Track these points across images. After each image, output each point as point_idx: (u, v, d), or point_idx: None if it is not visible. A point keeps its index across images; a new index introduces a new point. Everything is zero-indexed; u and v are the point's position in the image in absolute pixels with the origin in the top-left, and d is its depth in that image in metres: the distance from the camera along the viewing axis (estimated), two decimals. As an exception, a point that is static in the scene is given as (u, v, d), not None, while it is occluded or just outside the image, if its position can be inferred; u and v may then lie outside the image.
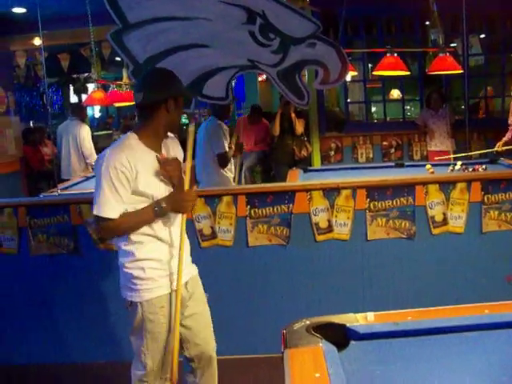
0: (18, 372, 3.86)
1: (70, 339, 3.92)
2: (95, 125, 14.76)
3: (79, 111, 7.36)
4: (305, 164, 6.64)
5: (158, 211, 2.49)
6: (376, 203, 3.67)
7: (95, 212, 2.47)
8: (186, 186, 2.63)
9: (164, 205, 2.50)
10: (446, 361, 1.73)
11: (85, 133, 7.06)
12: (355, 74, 7.67)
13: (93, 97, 7.35)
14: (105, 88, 8.73)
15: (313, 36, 3.27)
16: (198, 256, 2.92)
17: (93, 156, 6.89)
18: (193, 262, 2.82)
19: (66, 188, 5.96)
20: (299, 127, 7.04)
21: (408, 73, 6.43)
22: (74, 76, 12.16)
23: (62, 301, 3.92)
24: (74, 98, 13.67)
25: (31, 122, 10.42)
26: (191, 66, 3.45)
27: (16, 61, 9.22)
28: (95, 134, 13.19)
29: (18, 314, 3.95)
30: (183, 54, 3.47)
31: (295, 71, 3.35)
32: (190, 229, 3.41)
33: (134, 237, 2.54)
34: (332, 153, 8.15)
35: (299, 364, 1.69)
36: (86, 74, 11.61)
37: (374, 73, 6.57)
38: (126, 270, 2.58)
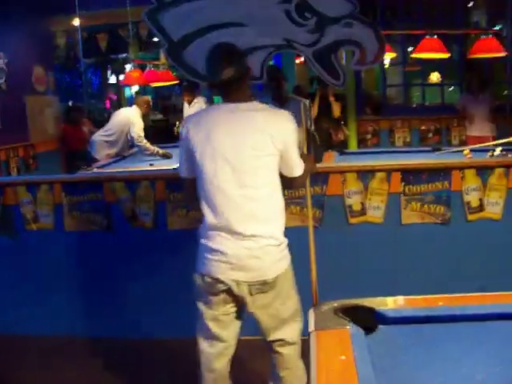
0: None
1: (101, 315, 4.00)
2: (130, 104, 14.86)
3: (141, 103, 7.14)
4: (341, 147, 6.58)
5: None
6: (411, 187, 3.61)
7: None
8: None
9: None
10: (476, 349, 1.69)
11: (138, 121, 6.77)
12: (394, 55, 7.54)
13: (129, 76, 7.42)
14: (142, 68, 8.79)
15: (350, 16, 3.19)
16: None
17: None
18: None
19: (103, 166, 6.04)
20: (336, 110, 6.97)
21: (448, 56, 6.28)
22: (112, 56, 12.25)
23: (93, 277, 3.99)
24: (112, 79, 13.81)
25: (70, 102, 10.55)
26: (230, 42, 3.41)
27: (56, 41, 9.34)
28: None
29: (49, 288, 4.03)
30: (218, 32, 3.43)
31: (331, 51, 3.28)
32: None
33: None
34: (369, 136, 8.06)
35: (325, 346, 1.68)
36: (124, 55, 11.68)
37: (413, 55, 6.45)
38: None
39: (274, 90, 4.77)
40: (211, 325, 2.50)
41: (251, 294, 2.44)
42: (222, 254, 2.39)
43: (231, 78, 2.42)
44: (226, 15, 3.38)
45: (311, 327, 1.83)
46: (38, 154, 7.69)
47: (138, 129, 6.57)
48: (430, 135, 7.92)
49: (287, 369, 2.59)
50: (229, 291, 2.43)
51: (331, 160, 5.04)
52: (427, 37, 5.77)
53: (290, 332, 2.54)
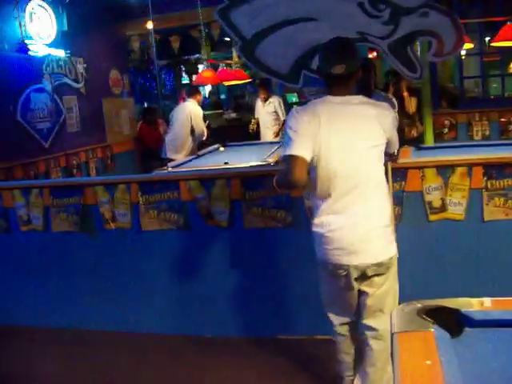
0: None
1: (178, 312, 4.06)
2: (206, 104, 15.09)
3: (192, 92, 7.48)
4: (416, 143, 6.37)
5: None
6: (494, 182, 3.44)
7: None
8: None
9: None
10: None
11: (198, 113, 7.23)
12: (471, 46, 7.25)
13: (202, 76, 7.50)
14: (214, 68, 8.87)
15: (426, 5, 3.08)
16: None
17: (204, 134, 7.12)
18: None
19: (177, 166, 6.12)
20: (411, 106, 6.75)
21: (531, 43, 5.97)
22: (185, 57, 12.44)
23: (170, 275, 4.04)
24: (185, 80, 14.02)
25: (145, 103, 10.81)
26: (299, 40, 3.36)
27: (130, 45, 9.58)
28: (206, 113, 13.53)
29: (124, 287, 4.15)
30: (290, 28, 3.39)
31: (407, 43, 3.18)
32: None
33: None
34: (445, 130, 7.77)
35: (409, 349, 1.60)
36: (197, 55, 11.84)
37: (493, 44, 6.16)
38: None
39: (363, 82, 4.66)
40: (343, 304, 2.76)
41: (367, 277, 2.61)
42: (338, 241, 2.55)
43: (345, 73, 2.52)
44: (298, 10, 3.34)
45: (394, 328, 1.76)
46: (114, 154, 7.92)
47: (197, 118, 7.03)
48: (511, 128, 7.57)
49: (374, 365, 2.70)
50: (348, 275, 2.59)
51: (408, 155, 4.88)
52: (508, 23, 5.50)
53: (384, 324, 2.59)
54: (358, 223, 2.55)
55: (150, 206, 3.97)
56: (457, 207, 3.47)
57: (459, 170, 3.45)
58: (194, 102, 7.21)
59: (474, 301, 1.90)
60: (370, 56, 10.36)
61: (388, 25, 3.18)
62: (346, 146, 2.53)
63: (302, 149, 2.51)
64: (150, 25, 8.59)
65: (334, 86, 2.58)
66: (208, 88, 14.94)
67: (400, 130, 6.69)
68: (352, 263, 2.56)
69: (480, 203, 3.47)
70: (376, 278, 2.63)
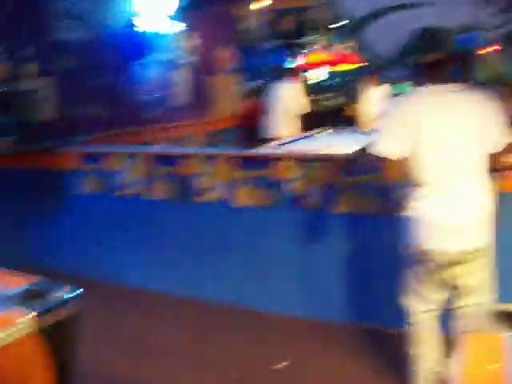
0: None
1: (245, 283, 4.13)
2: (316, 87, 15.01)
3: (287, 71, 7.63)
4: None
5: None
6: None
7: None
8: None
9: None
10: None
11: (295, 90, 7.33)
12: None
13: (313, 58, 7.52)
14: (327, 51, 8.81)
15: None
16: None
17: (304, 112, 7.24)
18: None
19: (281, 144, 6.14)
20: None
21: None
22: (297, 39, 12.42)
23: (263, 251, 4.12)
24: (294, 61, 14.00)
25: (253, 81, 10.92)
26: (411, 24, 3.28)
27: (244, 23, 9.70)
28: (315, 96, 13.46)
29: (205, 256, 4.27)
30: (404, 12, 3.33)
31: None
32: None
33: None
34: None
35: (477, 350, 1.56)
36: (309, 37, 11.79)
37: None
38: None
39: (459, 74, 4.51)
40: (425, 290, 2.72)
41: (458, 264, 2.57)
42: (431, 225, 2.57)
43: (441, 60, 2.54)
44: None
45: (464, 327, 1.72)
46: (219, 130, 8.10)
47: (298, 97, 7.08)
48: None
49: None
50: (438, 260, 2.59)
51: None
52: None
53: (477, 308, 2.53)
54: (453, 210, 2.55)
55: (245, 182, 4.06)
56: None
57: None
58: (296, 82, 7.28)
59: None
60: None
61: (501, 15, 3.03)
62: (444, 134, 2.53)
63: (393, 141, 2.58)
64: (262, 4, 8.70)
65: (430, 74, 2.59)
66: (319, 71, 14.83)
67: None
68: (443, 249, 2.56)
69: None
70: (467, 266, 2.59)
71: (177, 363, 3.51)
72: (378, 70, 7.77)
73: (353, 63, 8.21)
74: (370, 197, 3.65)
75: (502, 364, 1.48)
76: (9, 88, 4.69)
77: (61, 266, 4.71)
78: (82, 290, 2.01)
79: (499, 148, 2.57)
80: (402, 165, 2.60)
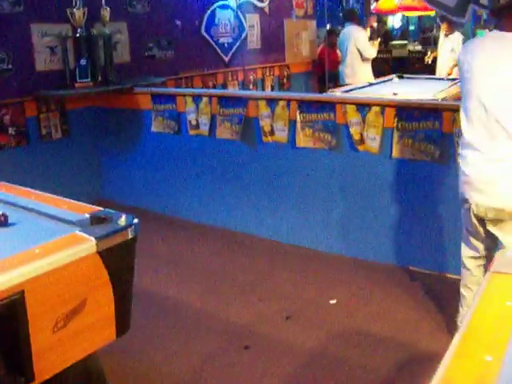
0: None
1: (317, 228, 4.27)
2: (393, 34, 14.65)
3: (352, 16, 7.53)
4: None
5: None
6: None
7: None
8: None
9: None
10: None
11: (361, 36, 7.33)
12: None
13: (385, 4, 7.32)
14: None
15: None
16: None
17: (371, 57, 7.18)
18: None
19: (347, 91, 6.15)
20: None
21: None
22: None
23: (320, 194, 4.24)
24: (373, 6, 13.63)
25: (328, 26, 10.76)
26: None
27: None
28: (392, 43, 13.19)
29: (271, 195, 4.43)
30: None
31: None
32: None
33: None
34: None
35: (495, 288, 1.62)
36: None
37: None
38: None
39: None
40: (471, 237, 2.76)
41: (491, 219, 2.56)
42: (469, 175, 2.57)
43: (505, 5, 2.45)
44: None
45: (491, 268, 1.78)
46: (291, 74, 8.11)
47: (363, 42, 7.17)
48: None
49: None
50: (471, 211, 2.62)
51: None
52: None
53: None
54: (490, 163, 2.50)
55: (306, 125, 4.14)
56: None
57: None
58: (357, 27, 7.25)
59: None
60: None
61: None
62: (496, 84, 2.45)
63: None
64: None
65: (503, 19, 2.48)
66: (397, 18, 14.42)
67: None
68: (474, 200, 2.58)
69: None
70: (500, 223, 2.56)
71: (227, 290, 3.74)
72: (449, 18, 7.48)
73: (425, 10, 7.95)
74: (429, 144, 3.65)
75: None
76: (86, 32, 4.90)
77: (131, 200, 5.04)
78: (138, 219, 2.19)
79: None
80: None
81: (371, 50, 7.32)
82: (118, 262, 2.07)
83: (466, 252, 2.87)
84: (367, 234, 4.07)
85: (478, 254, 2.82)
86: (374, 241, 4.06)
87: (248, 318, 3.38)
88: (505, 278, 1.71)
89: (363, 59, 7.26)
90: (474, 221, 2.66)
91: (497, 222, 2.57)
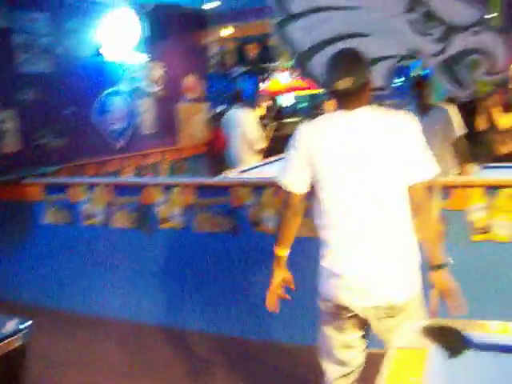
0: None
1: (217, 310, 4.20)
2: (285, 112, 15.26)
3: (237, 97, 7.36)
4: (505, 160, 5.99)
5: None
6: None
7: None
8: None
9: None
10: None
11: (249, 119, 6.90)
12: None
13: (274, 84, 7.62)
14: (293, 76, 8.95)
15: (478, 23, 3.06)
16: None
17: (259, 142, 6.83)
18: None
19: (245, 170, 6.18)
20: (505, 122, 6.46)
21: None
22: (263, 65, 12.63)
23: (217, 276, 4.20)
24: (263, 87, 14.21)
25: (220, 108, 11.06)
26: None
27: (209, 51, 9.84)
28: (283, 121, 13.66)
29: (172, 283, 4.34)
30: (344, 43, 3.46)
31: (458, 61, 3.17)
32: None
33: None
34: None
35: (399, 364, 1.64)
36: (274, 63, 11.99)
37: None
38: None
39: (417, 99, 4.66)
40: (339, 350, 2.38)
41: (378, 319, 2.27)
42: (343, 278, 2.25)
43: (350, 88, 2.21)
44: (351, 26, 3.40)
45: (393, 344, 1.80)
46: (187, 157, 8.17)
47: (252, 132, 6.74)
48: None
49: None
50: (356, 316, 2.30)
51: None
52: None
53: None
54: (369, 261, 2.23)
55: (202, 209, 4.13)
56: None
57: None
58: (245, 109, 6.91)
59: (481, 323, 1.90)
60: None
61: (439, 43, 3.17)
62: (353, 171, 2.22)
63: (297, 180, 2.35)
64: (228, 32, 8.87)
65: (343, 100, 2.27)
66: (290, 96, 15.06)
67: (487, 145, 6.50)
68: (359, 305, 2.25)
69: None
70: (387, 321, 2.27)
71: None
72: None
73: (313, 88, 8.38)
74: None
75: (420, 376, 1.56)
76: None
77: (24, 297, 4.73)
78: (31, 321, 2.04)
79: (422, 179, 2.24)
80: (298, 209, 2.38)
81: (260, 143, 6.91)
82: (8, 369, 1.91)
83: (336, 372, 2.43)
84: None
85: (351, 369, 2.42)
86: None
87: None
88: (406, 352, 1.73)
89: (253, 140, 6.91)
90: (358, 327, 2.37)
91: (386, 319, 2.28)
